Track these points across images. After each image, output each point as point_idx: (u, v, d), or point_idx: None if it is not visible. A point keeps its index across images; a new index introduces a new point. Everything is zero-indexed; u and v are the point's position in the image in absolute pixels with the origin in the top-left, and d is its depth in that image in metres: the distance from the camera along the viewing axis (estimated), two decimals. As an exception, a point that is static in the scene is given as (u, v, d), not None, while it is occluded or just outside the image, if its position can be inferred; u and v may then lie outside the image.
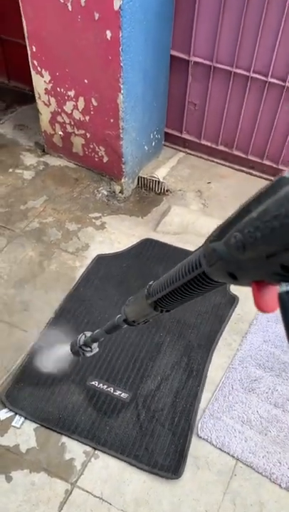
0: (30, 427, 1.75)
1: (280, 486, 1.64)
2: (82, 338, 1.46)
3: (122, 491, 1.61)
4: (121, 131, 2.45)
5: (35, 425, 1.75)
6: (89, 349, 1.45)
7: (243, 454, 1.69)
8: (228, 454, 1.70)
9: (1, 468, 1.65)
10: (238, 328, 2.10)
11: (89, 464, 1.67)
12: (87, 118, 2.54)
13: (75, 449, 1.71)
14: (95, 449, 1.71)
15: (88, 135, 2.63)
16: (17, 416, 1.78)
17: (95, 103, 2.43)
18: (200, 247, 0.73)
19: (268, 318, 2.11)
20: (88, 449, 1.71)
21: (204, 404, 1.83)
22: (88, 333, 1.46)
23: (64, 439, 1.73)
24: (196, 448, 1.72)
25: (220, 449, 1.71)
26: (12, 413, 1.78)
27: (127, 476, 1.65)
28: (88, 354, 1.47)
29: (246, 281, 0.61)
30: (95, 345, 1.45)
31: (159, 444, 1.71)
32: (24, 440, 1.72)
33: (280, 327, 2.08)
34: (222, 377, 1.91)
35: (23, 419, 1.77)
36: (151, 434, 1.74)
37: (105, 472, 1.66)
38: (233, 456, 1.70)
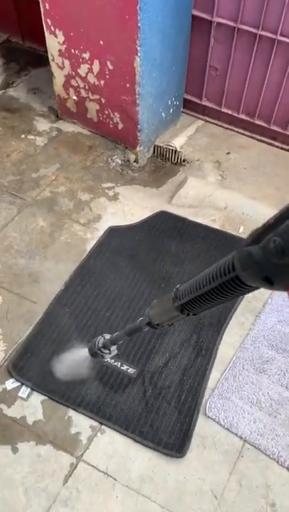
0: (37, 399, 1.74)
1: (287, 469, 1.61)
2: (100, 341, 1.42)
3: (127, 467, 1.61)
4: (137, 96, 2.34)
5: (42, 397, 1.75)
6: (108, 351, 1.41)
7: (251, 435, 1.66)
8: (236, 434, 1.67)
9: (8, 439, 1.65)
10: (251, 307, 2.03)
11: (95, 439, 1.66)
12: (102, 82, 2.42)
13: (81, 423, 1.70)
14: (101, 423, 1.69)
15: (103, 100, 2.52)
16: (23, 387, 1.77)
17: (110, 66, 2.31)
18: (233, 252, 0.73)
19: (283, 298, 2.04)
20: (94, 423, 1.70)
21: (213, 384, 1.80)
22: (107, 336, 1.42)
23: (70, 412, 1.72)
24: (204, 427, 1.69)
25: (228, 430, 1.69)
26: (19, 383, 1.78)
27: (132, 453, 1.64)
28: (107, 357, 1.43)
29: (282, 286, 0.61)
30: (113, 347, 1.41)
31: (165, 422, 1.69)
32: (31, 412, 1.71)
33: (296, 307, 2.01)
34: (233, 356, 1.87)
35: (29, 390, 1.76)
36: (156, 411, 1.72)
37: (111, 448, 1.65)
38: (241, 437, 1.67)
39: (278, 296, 2.05)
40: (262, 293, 2.08)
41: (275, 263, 0.58)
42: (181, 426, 1.68)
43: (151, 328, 1.13)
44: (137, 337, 1.90)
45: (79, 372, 1.63)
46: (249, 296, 2.07)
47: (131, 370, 1.81)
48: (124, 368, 1.82)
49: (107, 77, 2.37)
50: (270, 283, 0.62)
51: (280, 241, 0.56)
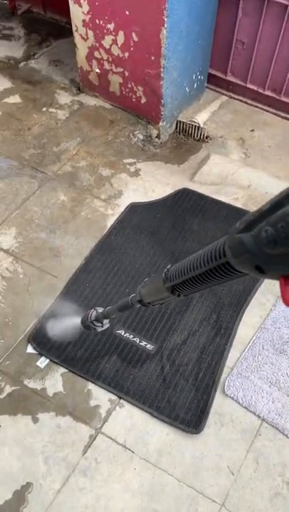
0: (57, 372, 1.76)
1: (304, 449, 1.62)
2: (93, 314, 1.45)
3: (145, 440, 1.63)
4: (162, 69, 2.28)
5: (62, 370, 1.77)
6: (100, 324, 1.45)
7: (269, 414, 1.67)
8: (254, 413, 1.68)
9: (28, 410, 1.68)
10: (273, 288, 2.01)
11: (113, 412, 1.68)
12: (127, 54, 2.37)
13: (100, 397, 1.72)
14: (119, 397, 1.71)
15: (126, 73, 2.47)
16: (42, 357, 1.79)
17: (135, 38, 2.25)
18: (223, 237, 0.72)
19: (305, 279, 2.01)
20: (113, 397, 1.72)
21: (231, 363, 1.80)
22: (99, 309, 1.45)
23: (90, 385, 1.74)
24: (222, 405, 1.70)
25: (246, 408, 1.69)
26: (37, 353, 1.80)
27: (150, 427, 1.66)
28: (99, 329, 1.47)
29: (274, 275, 0.60)
30: (106, 321, 1.45)
31: (182, 398, 1.70)
32: (51, 384, 1.74)
33: None
34: (252, 336, 1.86)
35: (48, 360, 1.78)
36: (174, 387, 1.73)
37: (129, 421, 1.67)
38: (259, 416, 1.67)
39: (300, 277, 2.02)
40: (284, 274, 2.06)
41: (266, 253, 0.56)
42: (198, 403, 1.69)
43: (142, 305, 1.15)
44: (156, 313, 1.90)
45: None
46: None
47: (149, 346, 1.82)
48: (143, 343, 1.83)
49: (132, 49, 2.31)
50: (261, 272, 0.60)
51: (272, 231, 0.54)
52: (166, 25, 2.09)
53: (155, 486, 1.54)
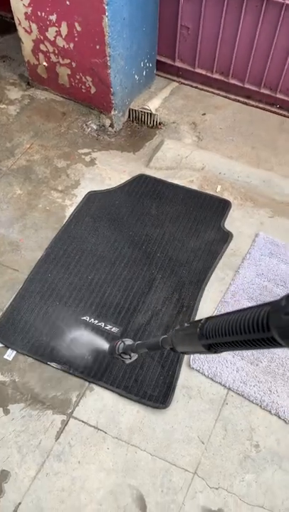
0: (25, 362, 1.77)
1: (270, 412, 1.68)
2: (121, 346, 1.43)
3: (116, 420, 1.66)
4: (108, 58, 2.30)
5: (30, 360, 1.78)
6: (128, 357, 1.43)
7: (234, 383, 1.73)
8: (220, 383, 1.74)
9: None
10: (231, 262, 2.08)
11: (84, 397, 1.71)
12: (72, 45, 2.37)
13: (70, 383, 1.74)
14: (88, 381, 1.74)
15: (74, 64, 2.47)
16: (9, 350, 1.80)
17: (78, 28, 2.26)
18: (265, 304, 0.72)
19: (261, 252, 2.08)
20: (82, 382, 1.74)
21: (196, 338, 1.85)
22: (127, 341, 1.43)
23: (58, 373, 1.76)
24: (189, 379, 1.75)
25: (212, 379, 1.75)
26: (4, 346, 1.80)
27: (120, 407, 1.69)
28: (127, 361, 1.45)
29: None
30: (134, 354, 1.42)
31: (149, 376, 1.74)
32: (20, 375, 1.75)
33: (274, 261, 2.06)
34: (214, 310, 1.92)
35: (15, 352, 1.79)
36: (140, 366, 1.76)
37: (100, 403, 1.70)
38: (225, 386, 1.73)
39: (256, 251, 2.09)
40: (241, 249, 2.12)
41: None
42: (164, 379, 1.74)
43: (174, 352, 1.12)
44: (119, 297, 1.93)
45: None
46: (228, 253, 2.11)
47: (114, 329, 1.85)
48: (108, 327, 1.86)
49: (76, 39, 2.32)
50: None
51: None
52: (107, 13, 2.10)
53: (129, 463, 1.58)
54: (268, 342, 0.72)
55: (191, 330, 0.95)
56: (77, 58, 2.42)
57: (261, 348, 0.76)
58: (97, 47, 2.28)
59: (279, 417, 1.67)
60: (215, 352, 0.92)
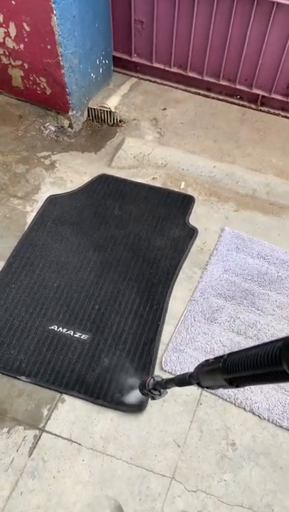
0: (-8, 378, 1.72)
1: (244, 409, 1.67)
2: (150, 382, 1.44)
3: (90, 430, 1.63)
4: (60, 58, 2.24)
5: (-2, 376, 1.73)
6: (157, 392, 1.44)
7: (207, 383, 1.71)
8: (193, 384, 1.71)
9: None
10: (198, 260, 2.05)
11: (56, 409, 1.67)
12: (22, 46, 2.30)
13: (41, 396, 1.69)
14: (60, 392, 1.70)
15: (26, 65, 2.40)
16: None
17: (27, 28, 2.19)
18: (280, 340, 0.77)
19: (227, 248, 2.07)
20: (54, 393, 1.70)
21: (167, 339, 1.82)
22: (157, 378, 1.44)
23: (28, 387, 1.71)
24: (161, 382, 1.72)
25: (185, 381, 1.72)
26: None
27: (94, 416, 1.66)
28: (157, 398, 1.46)
29: None
30: (163, 390, 1.43)
31: (122, 381, 1.71)
32: (-12, 392, 1.69)
33: (241, 255, 2.05)
34: (184, 310, 1.90)
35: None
36: (113, 371, 1.73)
37: (72, 414, 1.66)
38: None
39: (223, 246, 2.07)
40: (208, 245, 2.10)
41: None
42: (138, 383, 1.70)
43: (200, 387, 1.15)
44: (87, 302, 1.89)
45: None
46: (194, 250, 2.09)
47: (84, 336, 1.81)
48: (78, 334, 1.81)
49: (26, 39, 2.25)
50: None
51: None
52: (55, 12, 2.04)
53: (105, 473, 1.55)
54: (281, 376, 0.76)
55: (215, 365, 0.98)
56: (29, 59, 2.35)
57: (277, 382, 0.80)
58: (49, 47, 2.21)
59: (253, 413, 1.67)
60: (237, 386, 0.95)
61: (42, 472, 1.55)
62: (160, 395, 1.46)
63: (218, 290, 1.93)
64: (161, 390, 1.44)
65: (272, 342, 0.79)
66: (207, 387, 1.11)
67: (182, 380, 1.24)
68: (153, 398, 1.48)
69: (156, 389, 1.44)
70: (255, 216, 2.23)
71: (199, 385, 1.12)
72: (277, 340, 0.78)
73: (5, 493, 1.51)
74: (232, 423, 1.66)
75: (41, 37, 2.19)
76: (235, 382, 0.93)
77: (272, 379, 0.80)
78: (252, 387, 1.70)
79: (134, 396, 1.69)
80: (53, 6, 2.02)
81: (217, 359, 0.98)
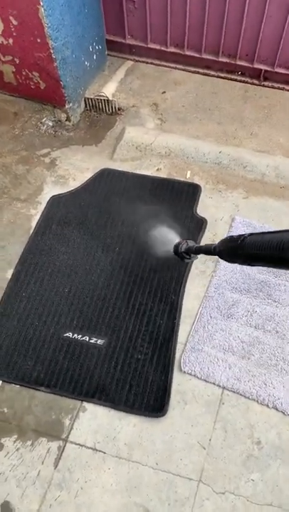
0: (12, 391, 1.71)
1: (267, 406, 1.65)
2: (184, 246, 1.65)
3: (114, 438, 1.62)
4: (52, 51, 2.14)
5: (16, 388, 1.71)
6: (188, 257, 1.65)
7: (228, 381, 1.68)
8: (214, 384, 1.69)
9: (-10, 437, 1.63)
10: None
11: (77, 418, 1.66)
12: (11, 41, 2.20)
13: (61, 405, 1.68)
14: (80, 400, 1.68)
15: (17, 60, 2.30)
16: (-5, 381, 1.73)
17: (15, 22, 2.08)
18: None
19: (240, 238, 2.00)
20: (75, 402, 1.68)
21: (184, 338, 1.79)
22: (190, 243, 1.64)
23: (49, 397, 1.69)
24: (182, 383, 1.70)
25: (205, 381, 1.70)
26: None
27: (116, 423, 1.64)
28: (187, 261, 1.68)
29: None
30: (194, 255, 1.64)
31: (141, 385, 1.69)
32: (9, 405, 1.68)
33: (254, 245, 1.98)
34: (199, 307, 1.85)
35: (0, 382, 1.72)
36: (132, 376, 1.71)
37: (95, 423, 1.65)
38: (219, 386, 1.69)
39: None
40: (219, 237, 2.04)
41: None
42: (158, 386, 1.69)
43: (220, 257, 1.32)
44: (100, 307, 1.86)
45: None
46: (205, 242, 2.03)
47: (100, 341, 1.78)
48: (93, 340, 1.79)
49: (15, 34, 2.14)
50: None
51: None
52: (42, 3, 1.93)
53: (132, 480, 1.54)
54: (285, 262, 0.93)
55: (236, 242, 1.15)
56: (19, 54, 2.25)
57: (281, 267, 1.00)
58: (38, 40, 2.11)
59: (277, 410, 1.64)
60: (249, 264, 1.15)
61: (69, 483, 1.55)
62: (190, 258, 1.66)
63: (232, 284, 1.88)
64: (191, 255, 1.64)
65: (286, 231, 0.96)
66: (226, 260, 1.29)
67: (208, 250, 1.44)
68: (183, 260, 1.68)
69: (187, 253, 1.64)
70: (266, 202, 2.15)
71: (220, 256, 1.31)
72: (287, 231, 0.95)
73: (34, 507, 1.51)
74: (256, 421, 1.63)
75: (30, 30, 2.08)
76: (248, 260, 1.11)
77: (277, 264, 0.97)
78: (274, 382, 1.67)
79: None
80: (39, -4, 1.91)
81: (239, 237, 1.15)
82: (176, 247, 1.67)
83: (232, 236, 1.22)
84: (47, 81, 2.34)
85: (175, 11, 2.54)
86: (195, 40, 2.65)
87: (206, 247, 1.47)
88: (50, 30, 2.05)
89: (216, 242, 1.37)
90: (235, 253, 1.15)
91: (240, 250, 1.11)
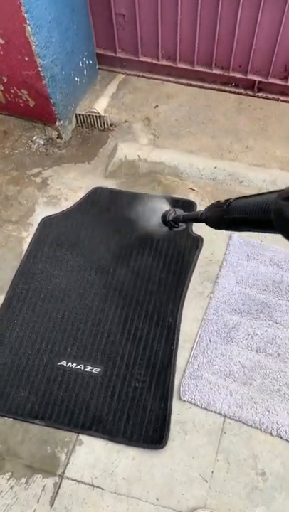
0: (5, 424, 1.64)
1: (271, 434, 1.58)
2: (172, 214, 1.64)
3: (111, 472, 1.55)
4: (40, 69, 2.09)
5: (10, 422, 1.64)
6: (176, 225, 1.64)
7: (229, 409, 1.61)
8: (215, 412, 1.62)
9: (-17, 474, 1.56)
10: (207, 273, 1.94)
11: (74, 452, 1.59)
12: (-2, 59, 2.15)
13: (56, 439, 1.61)
14: (76, 432, 1.62)
15: (5, 79, 2.25)
16: (-11, 415, 1.66)
17: (1, 41, 2.03)
18: (272, 193, 0.91)
19: (238, 257, 1.94)
20: (71, 435, 1.62)
21: (183, 364, 1.72)
22: (178, 211, 1.64)
23: (43, 430, 1.63)
24: (181, 412, 1.64)
25: (206, 409, 1.63)
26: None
27: (114, 457, 1.57)
28: (175, 229, 1.67)
29: None
30: (182, 224, 1.64)
31: (140, 415, 1.62)
32: (1, 440, 1.61)
33: (252, 264, 1.93)
34: (198, 331, 1.79)
35: (-5, 416, 1.66)
36: (129, 406, 1.64)
37: (92, 457, 1.58)
38: (220, 414, 1.62)
39: (232, 255, 1.95)
40: (216, 256, 1.98)
41: None
42: (157, 416, 1.62)
43: (207, 224, 1.31)
44: (94, 333, 1.79)
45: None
46: (203, 262, 1.97)
47: (95, 370, 1.72)
48: (88, 368, 1.72)
49: (1, 53, 2.09)
50: None
51: None
52: (28, 22, 1.88)
53: (132, 518, 1.48)
54: (267, 224, 0.90)
55: (221, 207, 1.14)
56: (7, 72, 2.20)
57: (264, 231, 0.98)
58: (26, 58, 2.06)
59: (281, 438, 1.57)
60: (234, 230, 1.15)
61: (66, 522, 1.48)
62: (178, 227, 1.66)
63: (232, 305, 1.82)
64: (179, 224, 1.64)
65: (270, 193, 0.93)
66: (212, 227, 1.28)
67: (196, 218, 1.42)
68: (170, 229, 1.68)
69: (175, 221, 1.63)
70: (264, 218, 2.09)
71: (207, 222, 1.30)
72: (272, 192, 0.91)
73: None
74: (259, 450, 1.57)
75: (17, 49, 2.03)
76: (233, 226, 1.11)
77: (261, 227, 0.96)
78: (277, 408, 1.61)
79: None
80: (25, 15, 1.86)
81: (226, 201, 1.13)
82: (164, 216, 1.67)
83: (219, 201, 1.21)
84: (36, 99, 2.28)
85: (166, 23, 2.50)
86: (187, 52, 2.61)
87: (193, 214, 1.46)
88: (38, 48, 2.00)
89: (203, 209, 1.37)
90: (221, 218, 1.14)
91: (226, 215, 1.09)
